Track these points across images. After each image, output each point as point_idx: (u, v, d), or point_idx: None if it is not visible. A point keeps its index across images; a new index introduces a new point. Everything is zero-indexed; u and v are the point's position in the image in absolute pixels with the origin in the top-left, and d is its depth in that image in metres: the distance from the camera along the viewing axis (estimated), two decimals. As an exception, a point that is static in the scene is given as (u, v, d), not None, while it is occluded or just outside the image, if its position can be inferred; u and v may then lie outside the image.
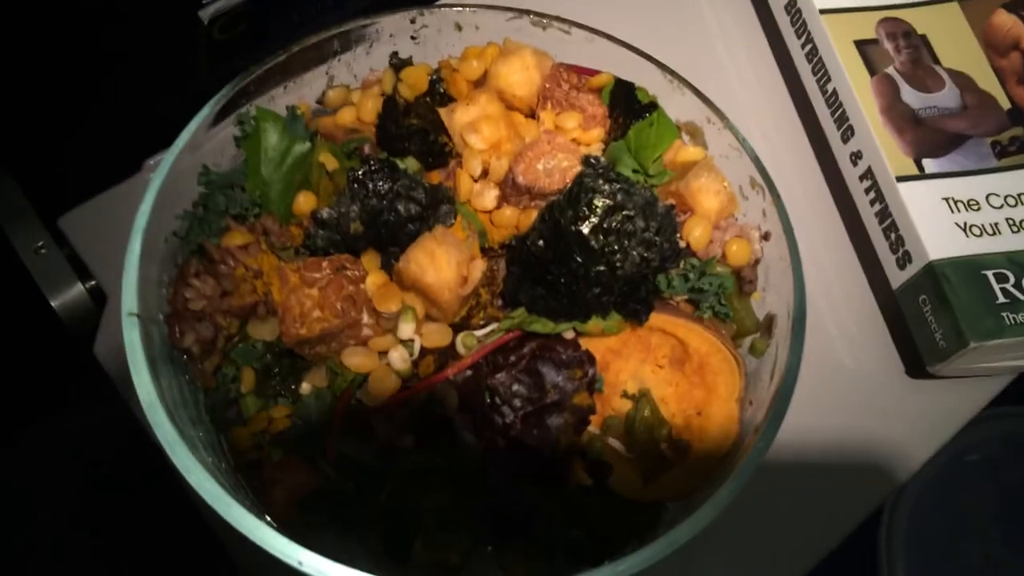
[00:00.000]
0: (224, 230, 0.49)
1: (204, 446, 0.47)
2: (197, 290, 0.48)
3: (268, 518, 0.46)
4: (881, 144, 0.63)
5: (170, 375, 0.47)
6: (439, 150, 0.52)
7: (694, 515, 0.42)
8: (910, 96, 0.65)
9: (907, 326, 0.62)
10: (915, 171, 0.62)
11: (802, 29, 0.70)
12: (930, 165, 0.63)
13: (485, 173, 0.52)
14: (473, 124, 0.52)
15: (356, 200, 0.49)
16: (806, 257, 0.50)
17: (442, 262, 0.47)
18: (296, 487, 0.49)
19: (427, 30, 0.56)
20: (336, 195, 0.49)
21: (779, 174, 0.54)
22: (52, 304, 0.61)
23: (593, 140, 0.54)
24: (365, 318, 0.48)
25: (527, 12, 0.55)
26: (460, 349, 0.48)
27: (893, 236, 0.62)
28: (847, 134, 0.66)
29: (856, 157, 0.65)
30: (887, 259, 0.63)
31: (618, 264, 0.48)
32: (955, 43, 0.68)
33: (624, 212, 0.48)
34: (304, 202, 0.51)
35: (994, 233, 0.60)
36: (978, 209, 0.61)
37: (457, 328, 0.49)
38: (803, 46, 0.70)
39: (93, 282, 0.62)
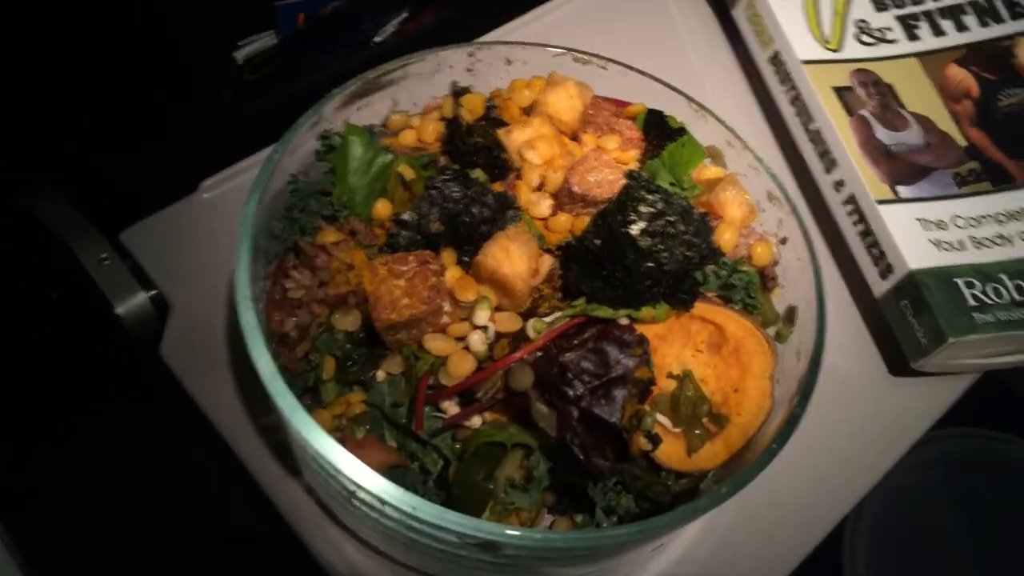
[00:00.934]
0: (316, 230, 0.55)
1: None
2: (297, 280, 0.53)
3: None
4: (862, 173, 0.72)
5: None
6: (502, 164, 0.59)
7: (751, 465, 0.49)
8: (882, 134, 0.76)
9: (889, 329, 0.71)
10: (892, 196, 0.72)
11: (785, 78, 0.80)
12: (904, 191, 0.72)
13: (540, 186, 0.59)
14: (530, 142, 0.59)
15: (435, 204, 0.55)
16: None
17: (515, 256, 0.53)
18: (376, 465, 0.54)
19: (481, 64, 0.64)
20: (414, 201, 0.56)
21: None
22: (118, 311, 0.65)
23: (631, 160, 0.62)
24: (446, 306, 0.54)
25: (571, 50, 0.63)
26: (531, 333, 0.54)
27: (875, 251, 0.71)
28: (830, 166, 0.75)
29: (839, 185, 0.74)
30: (870, 271, 0.72)
31: (664, 261, 0.54)
32: (916, 91, 0.79)
33: (667, 218, 0.55)
34: (382, 208, 0.57)
35: (960, 248, 0.70)
36: (946, 228, 0.71)
37: (525, 317, 0.55)
38: (787, 92, 0.80)
39: (155, 291, 0.66)
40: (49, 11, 0.67)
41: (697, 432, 0.56)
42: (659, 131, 0.62)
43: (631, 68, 0.63)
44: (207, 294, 0.65)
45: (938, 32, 0.83)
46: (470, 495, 0.54)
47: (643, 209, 0.55)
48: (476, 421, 0.56)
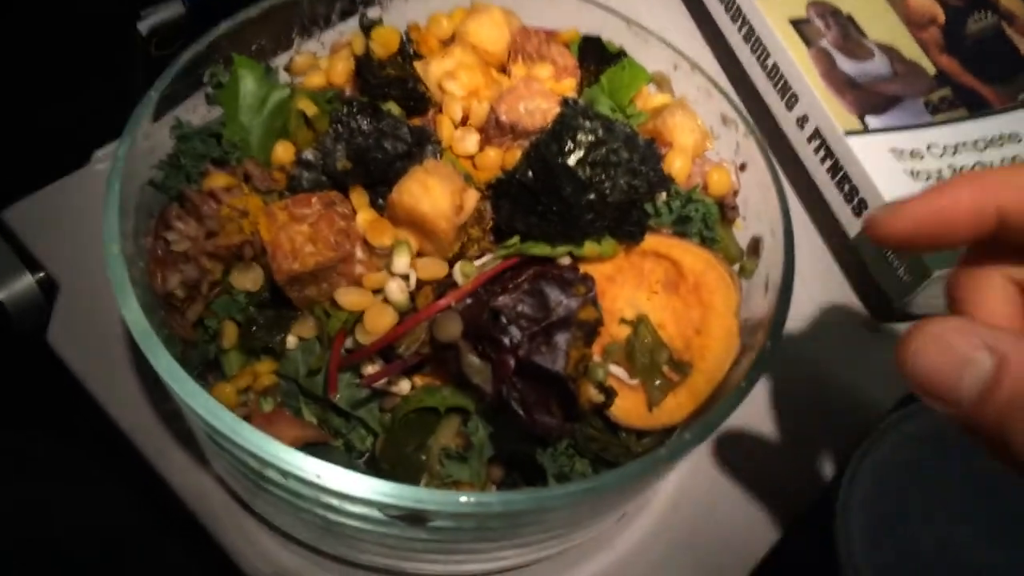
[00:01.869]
0: (203, 175, 0.48)
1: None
2: (180, 232, 0.46)
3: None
4: (826, 105, 0.66)
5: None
6: (419, 97, 0.52)
7: (718, 408, 0.42)
8: (845, 64, 0.69)
9: (867, 272, 0.64)
10: (860, 127, 0.66)
11: (737, 13, 0.73)
12: (873, 122, 0.66)
13: (465, 120, 0.53)
14: (451, 72, 0.53)
15: (341, 140, 0.48)
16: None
17: (436, 191, 0.46)
18: (290, 441, 0.46)
19: (393, -5, 0.57)
20: (318, 138, 0.49)
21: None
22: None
23: (566, 90, 0.55)
24: (359, 253, 0.47)
25: (492, -26, 0.57)
26: (458, 278, 0.47)
27: (847, 187, 0.64)
28: (791, 101, 0.69)
29: (803, 121, 0.68)
30: (842, 210, 0.65)
31: (607, 192, 0.48)
32: (878, 20, 0.73)
33: (608, 146, 0.48)
34: (283, 152, 0.50)
35: (939, 178, 0.64)
36: (922, 158, 0.65)
37: (452, 263, 0.48)
38: (739, 28, 0.73)
39: (42, 273, 0.59)
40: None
41: (657, 383, 0.49)
42: (596, 57, 0.56)
43: (561, -10, 0.57)
44: (99, 274, 0.57)
45: (897, -40, 0.77)
46: (401, 469, 0.47)
47: (581, 137, 0.49)
48: (404, 387, 0.49)
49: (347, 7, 0.58)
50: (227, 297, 0.48)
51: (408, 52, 0.55)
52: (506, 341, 0.45)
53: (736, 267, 0.52)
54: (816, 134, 0.67)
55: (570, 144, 0.48)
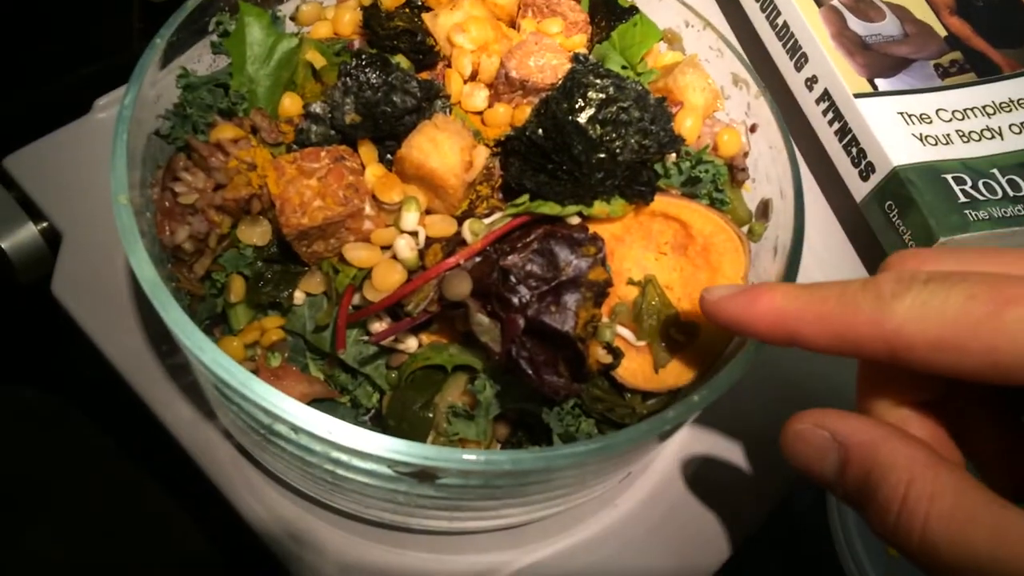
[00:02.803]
0: (211, 126, 0.47)
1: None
2: (187, 183, 0.45)
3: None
4: (836, 66, 0.66)
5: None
6: (428, 50, 0.51)
7: (727, 369, 0.42)
8: (856, 25, 0.69)
9: (874, 238, 0.64)
10: (869, 89, 0.65)
11: (748, -30, 0.72)
12: (882, 84, 0.66)
13: (474, 75, 0.52)
14: (460, 25, 0.52)
15: (349, 93, 0.47)
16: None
17: (445, 147, 0.46)
18: (297, 397, 0.46)
19: (403, -56, 0.56)
20: (326, 91, 0.48)
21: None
22: (2, 246, 0.57)
23: (577, 46, 0.55)
24: (367, 208, 0.46)
25: (502, -75, 0.56)
26: (467, 236, 0.47)
27: (855, 150, 0.64)
28: (800, 62, 0.68)
29: (811, 82, 0.67)
30: (849, 173, 0.65)
31: (618, 151, 0.47)
32: (890, -20, 0.72)
33: (618, 104, 0.48)
34: (290, 104, 0.49)
35: (947, 143, 0.63)
36: (930, 122, 0.64)
37: (461, 221, 0.48)
38: (750, -14, 0.72)
39: (45, 223, 0.58)
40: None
41: (663, 345, 0.49)
42: (607, 12, 0.55)
43: (573, -57, 0.56)
44: (103, 223, 0.57)
45: (911, -81, 0.76)
46: (407, 426, 0.47)
47: (592, 95, 0.48)
48: (412, 344, 0.49)
49: (355, -44, 0.56)
50: (235, 251, 0.48)
51: (416, 3, 0.55)
52: (515, 300, 0.45)
53: (745, 229, 0.52)
54: (825, 95, 0.66)
55: (581, 101, 0.47)
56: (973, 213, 0.60)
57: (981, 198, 0.61)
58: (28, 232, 0.57)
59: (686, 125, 0.51)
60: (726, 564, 0.55)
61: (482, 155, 0.47)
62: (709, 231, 0.49)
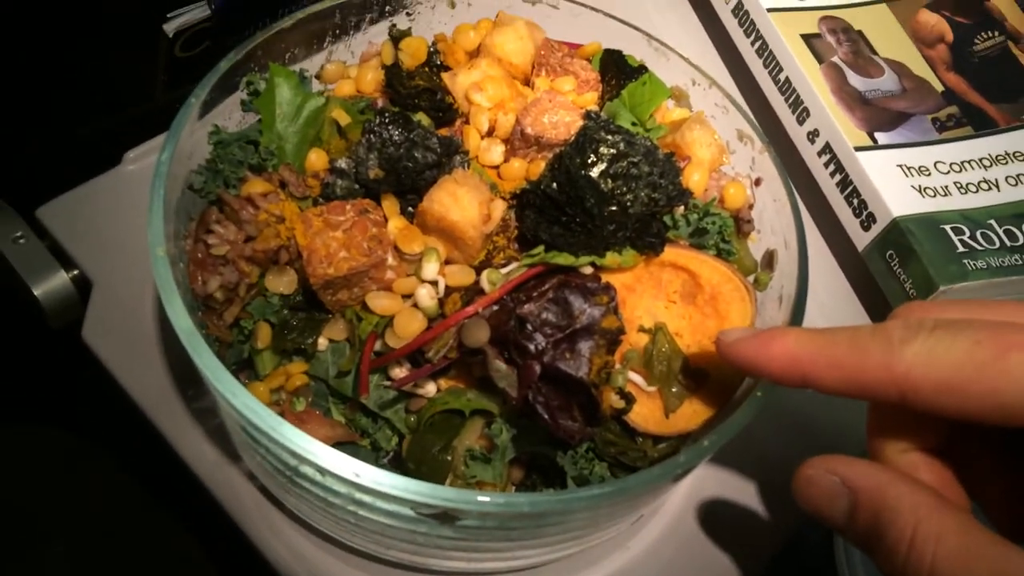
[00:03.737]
0: (241, 181, 0.50)
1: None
2: (220, 235, 0.47)
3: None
4: (837, 120, 0.68)
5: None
6: (447, 108, 0.54)
7: (735, 415, 0.44)
8: (855, 81, 0.71)
9: (875, 285, 0.66)
10: (870, 142, 0.68)
11: (751, 27, 0.75)
12: (882, 137, 0.68)
13: (491, 131, 0.54)
14: (477, 84, 0.54)
15: (373, 149, 0.50)
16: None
17: (465, 200, 0.48)
18: (321, 440, 0.48)
19: (421, 7, 0.59)
20: (351, 147, 0.51)
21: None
22: (35, 293, 0.59)
23: (588, 103, 0.57)
24: (390, 259, 0.48)
25: (518, -11, 0.59)
26: (485, 285, 0.49)
27: (856, 201, 0.66)
28: (802, 116, 0.71)
29: (813, 135, 0.70)
30: (851, 223, 0.67)
31: (628, 204, 0.50)
32: (888, 37, 0.75)
33: (629, 159, 0.50)
34: (317, 160, 0.52)
35: (946, 194, 0.66)
36: (929, 174, 0.67)
37: (478, 270, 0.50)
38: (752, 43, 0.75)
39: (76, 271, 0.60)
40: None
41: (674, 390, 0.51)
42: (617, 71, 0.57)
43: (584, 5, 0.59)
44: (133, 272, 0.59)
45: (907, -22, 0.79)
46: (426, 469, 0.49)
47: (603, 150, 0.50)
48: (431, 389, 0.51)
49: (376, 17, 0.59)
50: (262, 299, 0.50)
51: (435, 63, 0.57)
52: (531, 347, 0.47)
53: (751, 279, 0.54)
54: (826, 148, 0.69)
55: (593, 157, 0.50)
56: (971, 263, 0.62)
57: (979, 248, 0.63)
58: (60, 280, 0.60)
59: (693, 179, 0.54)
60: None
61: (499, 208, 0.50)
62: (716, 280, 0.51)
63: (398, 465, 0.52)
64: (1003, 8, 0.78)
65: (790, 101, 0.72)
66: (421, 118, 0.53)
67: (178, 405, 0.56)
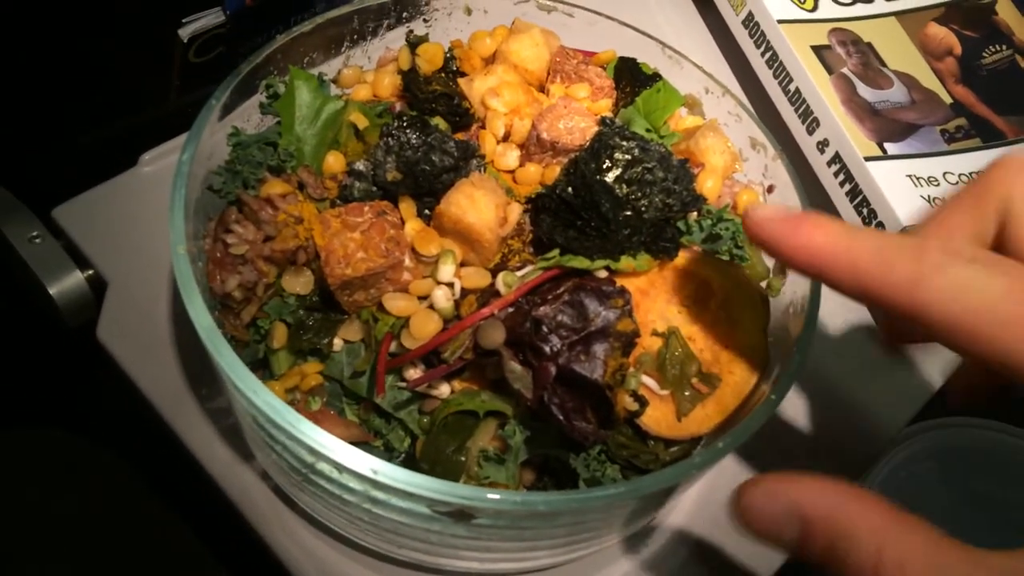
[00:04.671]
0: (260, 182, 0.50)
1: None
2: (239, 235, 0.48)
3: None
4: (847, 131, 0.69)
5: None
6: (463, 113, 0.55)
7: (749, 418, 0.44)
8: (865, 92, 0.72)
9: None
10: (879, 152, 0.68)
11: (761, 38, 0.76)
12: (891, 148, 0.69)
13: (506, 136, 0.55)
14: (494, 90, 0.55)
15: (391, 152, 0.50)
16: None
17: (481, 203, 0.49)
18: (335, 439, 0.49)
19: (438, 13, 0.59)
20: (369, 150, 0.51)
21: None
22: (51, 292, 0.59)
23: (603, 110, 0.58)
24: (407, 261, 0.49)
25: (534, -3, 0.59)
26: (501, 288, 0.49)
27: (865, 211, 0.67)
28: (812, 126, 0.71)
29: (823, 145, 0.71)
30: (861, 233, 0.68)
31: (643, 209, 0.50)
32: (897, 49, 0.76)
33: (644, 165, 0.51)
34: (334, 162, 0.52)
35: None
36: (938, 184, 0.67)
37: (494, 273, 0.50)
38: (763, 53, 0.76)
39: (91, 271, 0.61)
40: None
41: (686, 394, 0.51)
42: (632, 78, 0.58)
43: (599, 14, 0.59)
44: (148, 272, 0.60)
45: (915, -9, 0.80)
46: (440, 469, 0.49)
47: (618, 156, 0.51)
48: (445, 390, 0.51)
49: (393, 23, 0.60)
50: (278, 299, 0.50)
51: (452, 69, 0.58)
52: (547, 349, 0.47)
53: (764, 284, 0.54)
54: (836, 158, 0.69)
55: (608, 162, 0.50)
56: (980, 272, 0.62)
57: (988, 258, 0.63)
58: (75, 279, 0.60)
59: (707, 185, 0.54)
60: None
61: (516, 211, 0.50)
62: (729, 286, 0.52)
63: (411, 466, 0.52)
64: (1011, 22, 0.79)
65: (800, 111, 0.73)
66: (438, 122, 0.53)
67: (192, 405, 0.56)
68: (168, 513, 0.64)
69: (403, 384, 0.50)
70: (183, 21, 0.78)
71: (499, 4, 0.60)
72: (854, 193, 0.68)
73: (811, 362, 0.61)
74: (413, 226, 0.49)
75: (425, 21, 0.60)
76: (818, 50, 0.74)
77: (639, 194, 0.50)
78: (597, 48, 0.60)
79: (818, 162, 0.72)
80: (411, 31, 0.58)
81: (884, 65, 0.74)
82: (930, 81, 0.74)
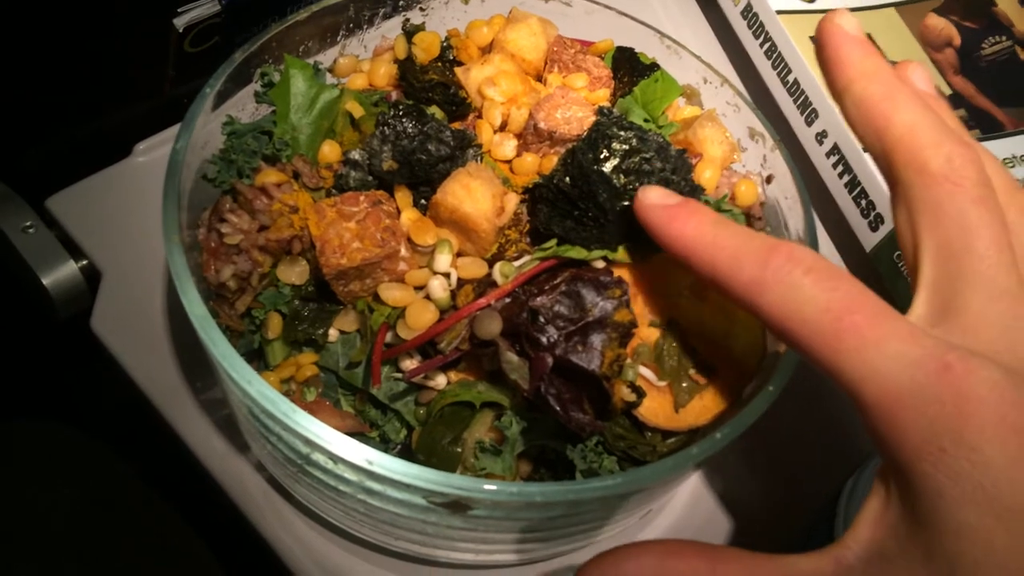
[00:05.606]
0: (255, 171, 0.50)
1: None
2: (233, 225, 0.47)
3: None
4: (845, 122, 0.68)
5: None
6: (460, 102, 0.54)
7: (747, 408, 0.44)
8: (864, 83, 0.71)
9: (882, 285, 0.66)
10: (878, 144, 0.68)
11: (759, 29, 0.76)
12: (890, 139, 0.68)
13: (503, 125, 0.54)
14: (491, 79, 0.54)
15: (387, 141, 0.50)
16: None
17: (478, 193, 0.48)
18: (330, 430, 0.48)
19: (435, 2, 0.59)
20: (364, 139, 0.51)
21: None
22: (44, 282, 0.59)
23: (601, 99, 0.57)
24: (403, 251, 0.48)
25: (531, -15, 0.59)
26: (498, 278, 0.49)
27: (864, 202, 0.67)
28: (811, 117, 0.71)
29: (822, 136, 0.70)
30: (859, 224, 0.67)
31: (641, 199, 0.50)
32: (896, 40, 0.75)
33: (641, 155, 0.50)
34: (330, 151, 0.52)
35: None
36: (936, 176, 0.67)
37: (491, 263, 0.50)
38: (761, 44, 0.76)
39: (85, 261, 0.60)
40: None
41: (684, 385, 0.51)
42: (630, 68, 0.57)
43: (597, 3, 0.59)
44: (142, 263, 0.60)
45: (915, -17, 0.79)
46: (436, 460, 0.49)
47: (616, 146, 0.50)
48: (441, 381, 0.51)
49: (389, 12, 0.60)
50: (273, 289, 0.50)
51: (448, 58, 0.57)
52: (544, 339, 0.47)
53: (761, 275, 0.54)
54: (835, 149, 0.69)
55: (605, 152, 0.50)
56: (979, 264, 0.62)
57: (986, 249, 0.63)
58: (69, 270, 0.60)
59: (705, 176, 0.54)
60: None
61: (513, 201, 0.50)
62: (728, 277, 0.51)
63: (407, 457, 0.52)
64: (1011, 13, 0.79)
65: (799, 102, 0.72)
66: (435, 111, 0.53)
67: (186, 396, 0.56)
68: (162, 504, 0.63)
69: (399, 375, 0.50)
70: (178, 10, 0.77)
71: (496, -7, 0.59)
72: (852, 185, 0.67)
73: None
74: (409, 216, 0.49)
75: (422, 10, 0.59)
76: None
77: (637, 184, 0.49)
78: (595, 37, 0.60)
79: (817, 154, 0.71)
80: (407, 20, 0.58)
81: (883, 56, 0.74)
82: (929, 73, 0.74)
